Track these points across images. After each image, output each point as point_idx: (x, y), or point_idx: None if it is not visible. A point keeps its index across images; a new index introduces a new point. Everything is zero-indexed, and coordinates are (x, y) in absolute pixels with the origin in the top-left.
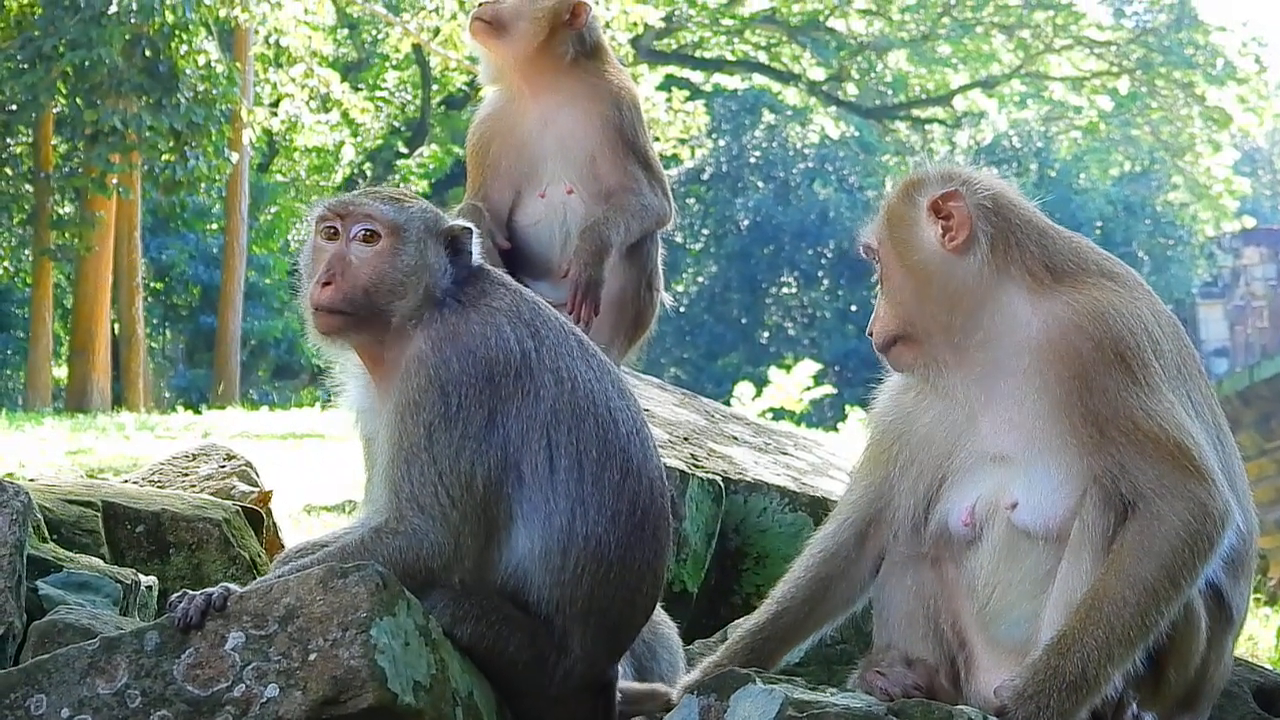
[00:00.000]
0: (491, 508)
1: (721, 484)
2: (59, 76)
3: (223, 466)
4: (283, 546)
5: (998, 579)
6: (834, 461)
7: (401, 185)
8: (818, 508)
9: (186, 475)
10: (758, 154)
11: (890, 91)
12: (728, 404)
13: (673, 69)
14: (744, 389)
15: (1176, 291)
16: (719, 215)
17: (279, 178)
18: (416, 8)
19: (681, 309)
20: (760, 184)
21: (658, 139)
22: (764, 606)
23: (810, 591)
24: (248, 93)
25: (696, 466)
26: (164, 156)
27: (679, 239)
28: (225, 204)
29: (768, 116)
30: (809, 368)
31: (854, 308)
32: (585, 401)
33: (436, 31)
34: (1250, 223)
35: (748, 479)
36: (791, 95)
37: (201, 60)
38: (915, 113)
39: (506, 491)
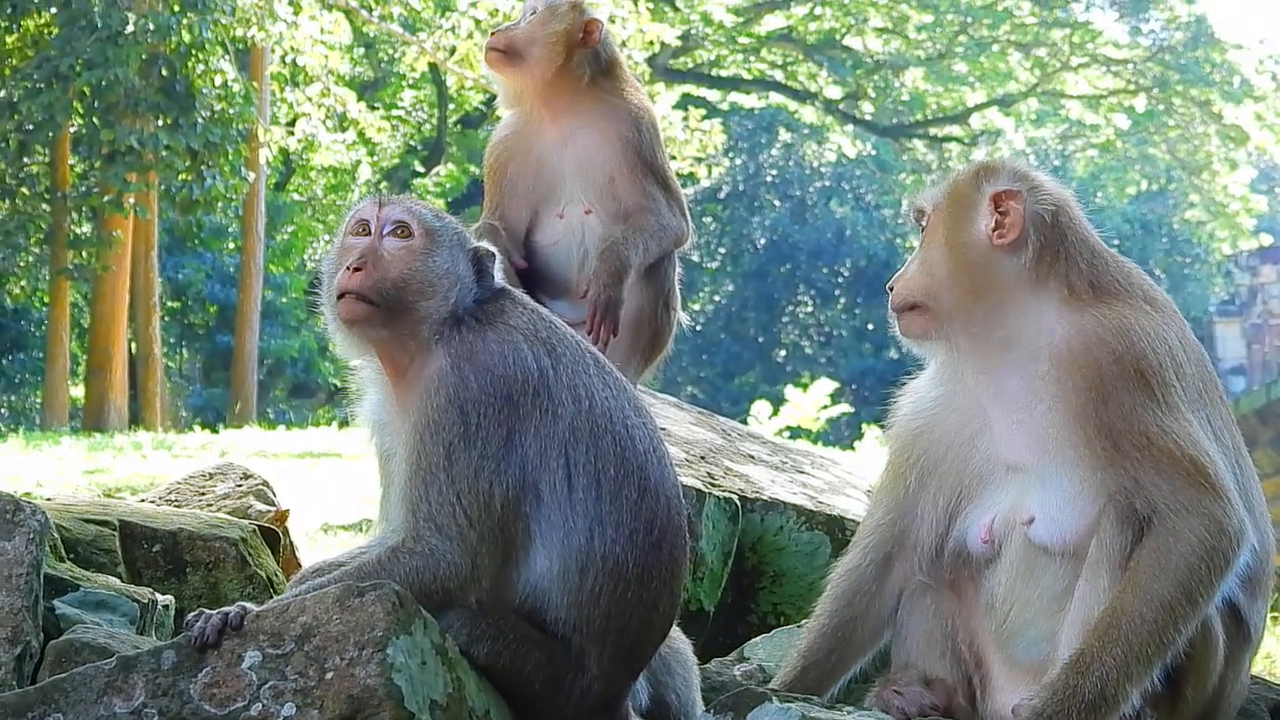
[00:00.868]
0: (509, 527)
1: (738, 503)
2: (76, 96)
3: (239, 485)
4: (299, 565)
5: (1015, 596)
6: (850, 480)
7: None
8: (834, 526)
9: (203, 494)
10: (774, 172)
11: (907, 110)
12: (744, 423)
13: (689, 88)
14: (761, 407)
15: (1193, 310)
16: (736, 234)
17: (295, 197)
18: (433, 27)
19: (698, 328)
20: (777, 202)
21: (674, 158)
22: (790, 663)
23: (834, 642)
24: (264, 112)
25: (713, 485)
26: (181, 176)
27: (695, 258)
28: (242, 223)
29: (784, 135)
30: (826, 386)
31: (871, 326)
32: (603, 420)
33: (453, 50)
34: (1267, 240)
35: (764, 498)
36: (808, 114)
37: (218, 80)
38: (932, 131)
39: (524, 511)
